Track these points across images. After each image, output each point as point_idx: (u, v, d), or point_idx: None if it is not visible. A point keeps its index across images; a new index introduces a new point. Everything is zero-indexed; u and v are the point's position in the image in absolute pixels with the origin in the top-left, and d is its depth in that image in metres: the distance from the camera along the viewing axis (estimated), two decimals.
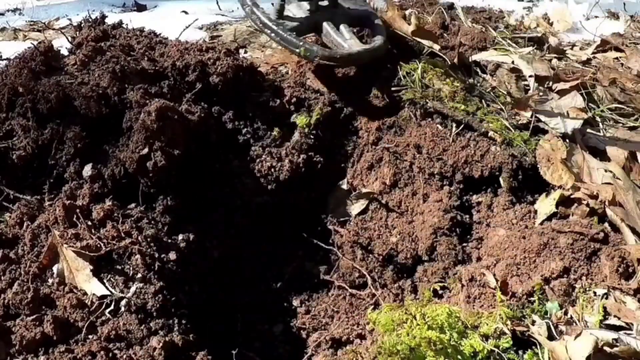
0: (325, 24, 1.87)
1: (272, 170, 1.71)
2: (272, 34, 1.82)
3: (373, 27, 1.92)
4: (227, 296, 1.63)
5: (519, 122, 1.77)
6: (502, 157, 1.64)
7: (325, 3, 1.89)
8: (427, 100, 1.81)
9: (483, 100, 1.83)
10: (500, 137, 1.69)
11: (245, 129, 1.76)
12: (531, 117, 1.76)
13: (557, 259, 1.39)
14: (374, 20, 1.97)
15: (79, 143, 1.54)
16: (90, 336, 1.22)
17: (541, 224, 1.53)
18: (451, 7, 2.75)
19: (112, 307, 1.26)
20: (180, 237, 1.50)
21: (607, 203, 1.50)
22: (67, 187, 1.49)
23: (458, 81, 1.89)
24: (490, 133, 1.71)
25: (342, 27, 1.89)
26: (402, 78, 1.88)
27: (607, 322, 1.26)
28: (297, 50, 1.73)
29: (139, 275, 1.32)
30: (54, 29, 2.69)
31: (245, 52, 2.30)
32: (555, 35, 2.56)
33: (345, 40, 1.83)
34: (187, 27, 2.07)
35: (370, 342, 1.39)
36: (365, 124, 1.85)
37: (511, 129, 1.73)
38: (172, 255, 1.41)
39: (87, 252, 1.30)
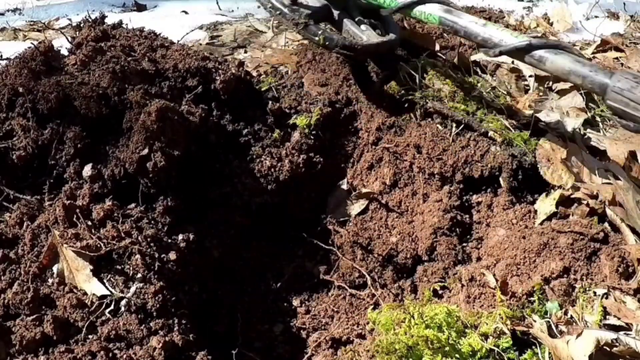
0: (340, 15, 1.83)
1: (272, 170, 1.71)
2: (286, 20, 1.78)
3: (384, 20, 1.89)
4: (227, 296, 1.63)
5: (519, 122, 1.77)
6: (502, 157, 1.64)
7: None
8: (427, 100, 1.81)
9: (483, 100, 1.83)
10: (500, 137, 1.69)
11: (246, 130, 1.76)
12: (531, 117, 1.76)
13: (557, 259, 1.39)
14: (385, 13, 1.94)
15: (79, 143, 1.54)
16: (90, 336, 1.22)
17: (541, 224, 1.52)
18: None
19: (112, 307, 1.26)
20: (180, 237, 1.50)
21: (607, 203, 1.50)
22: (67, 187, 1.49)
23: (458, 81, 1.89)
24: (490, 133, 1.71)
25: (357, 18, 1.85)
26: (402, 78, 1.88)
27: (607, 322, 1.26)
28: (316, 38, 1.69)
29: (139, 275, 1.31)
30: (54, 29, 2.69)
31: (245, 52, 2.30)
32: (555, 35, 2.56)
33: (362, 31, 1.80)
34: (188, 33, 2.09)
35: (370, 341, 1.39)
36: (365, 124, 1.85)
37: (511, 129, 1.73)
38: (172, 255, 1.41)
39: (87, 252, 1.30)
